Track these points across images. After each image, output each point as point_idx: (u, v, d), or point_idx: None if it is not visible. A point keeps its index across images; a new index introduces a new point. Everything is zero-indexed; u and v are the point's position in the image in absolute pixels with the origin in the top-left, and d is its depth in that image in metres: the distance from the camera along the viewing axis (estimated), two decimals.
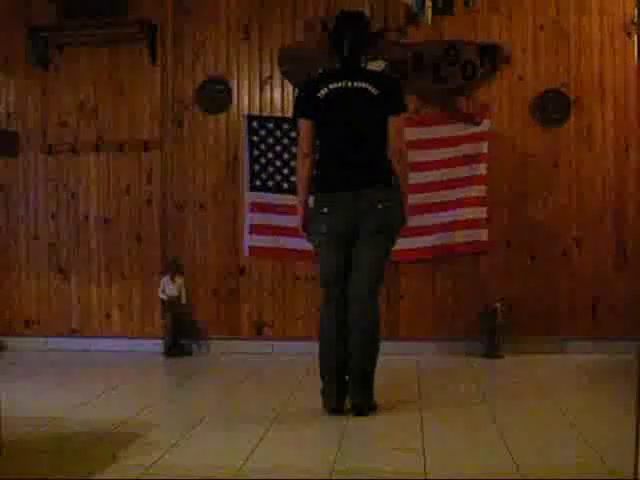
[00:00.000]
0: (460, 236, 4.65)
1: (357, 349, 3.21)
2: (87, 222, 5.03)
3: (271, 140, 4.77)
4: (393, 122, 3.22)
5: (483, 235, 4.63)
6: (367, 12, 4.53)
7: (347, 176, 3.21)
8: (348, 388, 3.25)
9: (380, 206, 3.17)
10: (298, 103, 3.35)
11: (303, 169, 3.29)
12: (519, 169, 4.67)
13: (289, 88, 4.80)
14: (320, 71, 3.70)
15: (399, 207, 3.24)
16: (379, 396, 3.31)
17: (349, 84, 3.22)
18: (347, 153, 3.23)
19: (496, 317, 4.51)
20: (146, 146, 4.93)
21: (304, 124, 3.28)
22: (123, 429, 3.05)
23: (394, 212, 3.23)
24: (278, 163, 4.77)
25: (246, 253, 4.83)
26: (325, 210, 3.23)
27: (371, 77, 3.26)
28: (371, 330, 3.22)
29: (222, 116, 4.90)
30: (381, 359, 3.32)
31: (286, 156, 4.74)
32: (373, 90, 3.20)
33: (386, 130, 3.22)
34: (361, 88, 3.21)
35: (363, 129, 3.23)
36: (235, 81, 4.89)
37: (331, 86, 3.23)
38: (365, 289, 3.23)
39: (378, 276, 3.26)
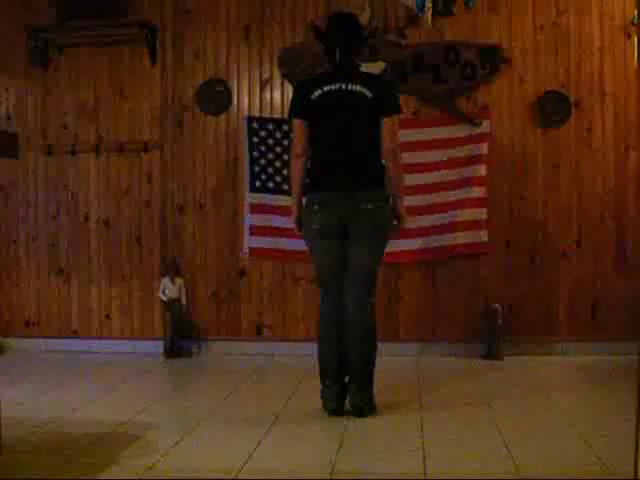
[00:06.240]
0: (460, 237, 4.64)
1: (355, 350, 3.22)
2: (87, 223, 5.03)
3: (271, 141, 4.77)
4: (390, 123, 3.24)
5: (483, 236, 4.63)
6: (368, 13, 4.55)
7: (339, 177, 3.23)
8: (348, 389, 3.25)
9: (370, 206, 3.19)
10: (292, 104, 3.37)
11: (296, 169, 3.33)
12: (519, 170, 4.67)
13: (289, 89, 4.79)
14: (319, 72, 3.70)
15: (389, 208, 3.27)
16: (379, 397, 3.31)
17: (343, 86, 3.23)
18: (339, 154, 3.24)
19: (496, 318, 4.50)
20: (146, 147, 4.93)
21: (297, 124, 3.30)
22: (123, 430, 3.06)
23: (384, 212, 3.26)
24: (278, 164, 4.77)
25: (246, 254, 4.83)
26: (316, 208, 3.26)
27: (365, 79, 3.27)
28: (368, 330, 3.23)
29: (222, 117, 4.90)
30: (381, 360, 3.33)
31: (286, 157, 4.72)
32: (367, 92, 3.21)
33: (379, 132, 3.23)
34: (355, 90, 3.22)
35: (355, 131, 3.24)
36: (235, 82, 4.89)
37: (325, 88, 3.25)
38: (359, 289, 3.24)
39: (371, 276, 3.27)
